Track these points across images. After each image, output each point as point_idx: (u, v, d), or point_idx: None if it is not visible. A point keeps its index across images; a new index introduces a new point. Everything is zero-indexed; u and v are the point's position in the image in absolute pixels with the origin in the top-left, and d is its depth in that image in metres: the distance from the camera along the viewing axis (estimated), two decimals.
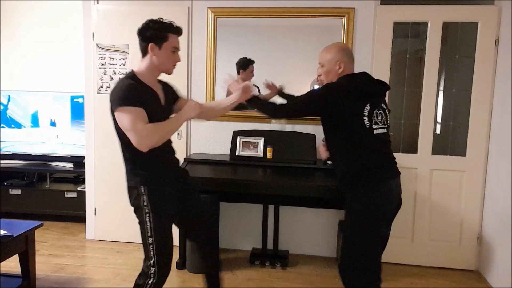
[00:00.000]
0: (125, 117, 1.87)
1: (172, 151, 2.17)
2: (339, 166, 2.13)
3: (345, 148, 2.06)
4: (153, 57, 2.00)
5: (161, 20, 2.00)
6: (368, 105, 2.01)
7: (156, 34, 1.96)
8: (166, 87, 2.15)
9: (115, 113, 1.90)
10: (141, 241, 2.09)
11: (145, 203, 1.99)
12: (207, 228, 2.31)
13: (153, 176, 2.01)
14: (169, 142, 2.13)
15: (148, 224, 2.01)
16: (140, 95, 1.91)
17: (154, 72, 2.04)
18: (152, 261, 2.03)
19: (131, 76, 2.00)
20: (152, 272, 2.04)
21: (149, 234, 2.01)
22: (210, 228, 2.34)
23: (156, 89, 2.05)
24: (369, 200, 2.01)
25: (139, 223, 2.05)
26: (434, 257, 3.37)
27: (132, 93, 1.89)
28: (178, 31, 2.02)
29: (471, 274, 3.29)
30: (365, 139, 2.02)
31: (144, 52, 2.02)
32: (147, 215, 2.00)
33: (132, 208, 2.06)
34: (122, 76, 2.15)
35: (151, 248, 2.03)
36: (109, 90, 3.58)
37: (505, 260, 2.89)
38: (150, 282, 2.05)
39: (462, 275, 3.27)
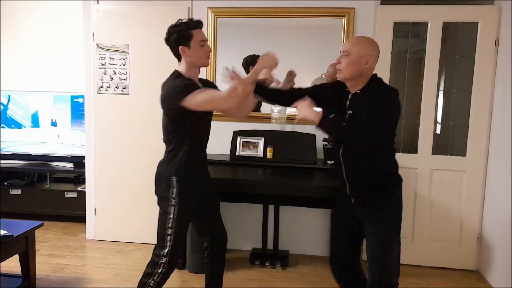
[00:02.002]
0: (199, 99, 1.97)
1: (205, 155, 2.28)
2: (371, 171, 2.02)
3: (384, 151, 2.04)
4: (187, 58, 2.09)
5: (180, 21, 2.09)
6: None
7: (181, 36, 2.05)
8: (206, 84, 2.23)
9: (185, 104, 1.98)
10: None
11: (173, 195, 2.10)
12: (222, 229, 2.40)
13: (187, 170, 2.12)
14: (204, 145, 2.25)
15: (171, 216, 2.10)
16: (194, 84, 2.07)
17: (194, 70, 2.14)
18: (166, 251, 2.12)
19: (178, 75, 2.11)
20: (163, 261, 2.12)
21: (169, 225, 2.11)
22: (224, 230, 2.41)
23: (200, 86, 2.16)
24: (400, 199, 2.07)
25: (161, 213, 2.15)
26: (434, 257, 3.37)
27: (188, 81, 2.04)
28: (199, 25, 2.11)
29: (471, 274, 3.29)
30: (393, 142, 2.09)
31: (178, 57, 2.12)
32: (173, 207, 2.10)
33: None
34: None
35: (168, 239, 2.11)
36: (109, 90, 3.62)
37: (505, 260, 2.89)
38: (159, 271, 2.13)
39: (462, 275, 3.27)
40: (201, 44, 2.08)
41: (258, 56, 3.40)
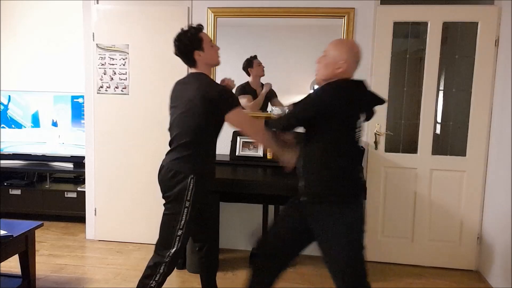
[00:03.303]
0: (242, 114, 2.15)
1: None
2: (323, 169, 1.96)
3: (340, 154, 1.96)
4: (202, 61, 2.15)
5: (183, 29, 2.15)
6: (361, 116, 1.99)
7: (192, 41, 2.11)
8: None
9: (233, 113, 2.09)
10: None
11: (188, 197, 2.10)
12: (215, 229, 2.49)
13: (204, 170, 2.17)
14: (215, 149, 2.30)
15: (184, 217, 2.11)
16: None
17: (209, 71, 2.24)
18: (172, 251, 2.12)
19: (212, 80, 2.21)
20: (166, 261, 2.13)
21: (180, 226, 2.11)
22: (217, 229, 2.46)
23: None
24: (361, 205, 2.01)
25: (170, 213, 2.14)
26: (434, 257, 3.37)
27: (232, 93, 2.21)
28: (201, 28, 2.19)
29: (471, 274, 3.29)
30: (349, 148, 2.02)
31: (193, 62, 2.16)
32: (186, 208, 2.10)
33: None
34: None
35: (177, 240, 2.12)
36: (109, 90, 3.62)
37: (505, 260, 2.89)
38: (161, 271, 2.14)
39: (462, 275, 3.27)
40: (211, 45, 2.18)
41: (254, 56, 3.41)
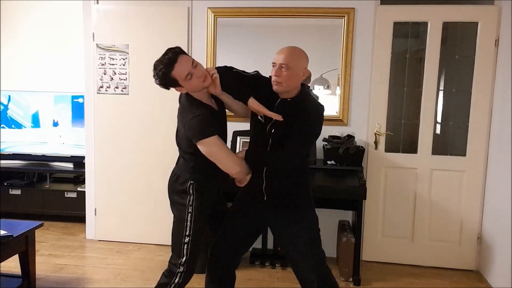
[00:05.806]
0: (210, 148, 1.94)
1: None
2: (298, 175, 2.10)
3: (305, 159, 2.15)
4: (186, 91, 2.00)
5: (158, 63, 1.93)
6: None
7: (166, 83, 1.94)
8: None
9: (200, 145, 1.93)
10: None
11: (190, 202, 2.04)
12: None
13: (204, 177, 2.07)
14: None
15: (188, 223, 2.05)
16: (211, 122, 1.95)
17: (199, 92, 2.02)
18: (183, 260, 2.07)
19: (194, 101, 1.98)
20: (180, 271, 2.07)
21: (187, 233, 2.05)
22: None
23: (209, 101, 2.06)
24: (312, 199, 2.19)
25: (176, 220, 2.10)
26: (434, 257, 3.37)
27: (204, 120, 1.92)
28: (176, 58, 1.90)
29: (471, 274, 3.29)
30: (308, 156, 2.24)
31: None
32: (189, 214, 2.04)
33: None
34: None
35: (185, 247, 2.06)
36: (109, 90, 3.63)
37: (505, 260, 2.89)
38: (176, 281, 2.08)
39: (462, 275, 3.27)
40: (189, 78, 1.89)
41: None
